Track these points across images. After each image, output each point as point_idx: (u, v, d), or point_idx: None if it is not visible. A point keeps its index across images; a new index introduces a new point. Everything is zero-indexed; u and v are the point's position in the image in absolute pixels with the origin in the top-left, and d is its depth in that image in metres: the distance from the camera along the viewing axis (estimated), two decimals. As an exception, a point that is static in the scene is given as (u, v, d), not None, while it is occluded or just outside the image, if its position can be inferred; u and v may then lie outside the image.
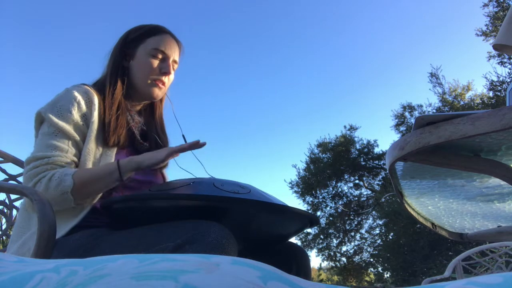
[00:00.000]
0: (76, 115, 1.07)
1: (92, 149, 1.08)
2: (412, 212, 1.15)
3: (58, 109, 1.07)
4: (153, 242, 0.83)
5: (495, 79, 10.66)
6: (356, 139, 14.12)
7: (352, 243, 14.44)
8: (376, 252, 13.41)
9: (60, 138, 1.05)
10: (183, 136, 1.29)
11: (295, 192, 14.26)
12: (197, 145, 1.07)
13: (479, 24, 12.68)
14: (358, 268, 14.09)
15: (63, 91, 1.11)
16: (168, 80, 1.23)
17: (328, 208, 14.42)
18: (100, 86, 1.18)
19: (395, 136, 13.00)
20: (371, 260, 13.92)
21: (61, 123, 1.05)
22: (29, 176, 1.00)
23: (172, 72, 1.24)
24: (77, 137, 1.07)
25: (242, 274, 0.30)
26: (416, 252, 10.00)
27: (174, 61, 1.24)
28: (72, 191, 0.97)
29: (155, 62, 1.18)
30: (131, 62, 1.20)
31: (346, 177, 14.50)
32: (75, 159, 1.06)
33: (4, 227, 1.48)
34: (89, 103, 1.10)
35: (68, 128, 1.05)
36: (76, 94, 1.09)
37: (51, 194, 0.97)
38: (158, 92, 1.21)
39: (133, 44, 1.20)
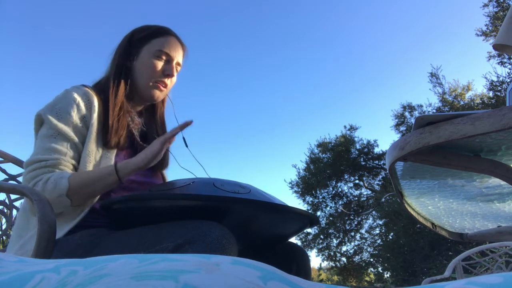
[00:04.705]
0: (75, 117, 1.06)
1: (92, 151, 1.07)
2: (412, 212, 1.15)
3: (57, 111, 1.06)
4: (153, 242, 0.83)
5: (495, 79, 10.67)
6: (356, 139, 14.14)
7: (352, 243, 14.46)
8: (376, 252, 13.41)
9: (59, 140, 1.04)
10: (184, 138, 1.28)
11: (295, 192, 14.28)
12: (187, 125, 1.10)
13: (479, 24, 12.71)
14: (358, 268, 14.09)
15: (62, 93, 1.11)
16: (171, 82, 1.22)
17: (328, 208, 14.43)
18: (102, 86, 1.17)
19: (395, 136, 13.01)
20: (371, 260, 13.92)
21: (60, 125, 1.05)
22: (27, 179, 1.00)
23: (175, 74, 1.23)
24: (76, 140, 1.06)
25: (242, 274, 0.30)
26: (416, 252, 10.00)
27: (178, 64, 1.23)
28: (68, 194, 0.97)
29: (159, 64, 1.17)
30: (134, 63, 1.18)
31: (346, 177, 14.51)
32: (74, 161, 1.06)
33: (4, 227, 1.48)
34: (89, 104, 1.09)
35: (67, 130, 1.05)
36: (75, 95, 1.08)
37: (47, 197, 0.96)
38: (159, 94, 1.20)
39: (138, 44, 1.19)
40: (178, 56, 1.22)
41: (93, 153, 1.07)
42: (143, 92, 1.19)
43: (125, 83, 1.17)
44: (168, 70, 1.19)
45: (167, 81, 1.20)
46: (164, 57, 1.18)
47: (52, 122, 1.05)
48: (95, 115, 1.09)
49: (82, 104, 1.08)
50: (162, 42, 1.18)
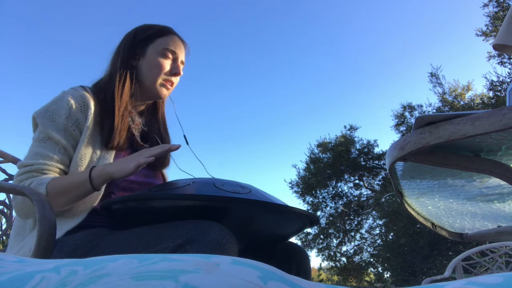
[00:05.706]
0: (67, 120, 1.06)
1: (86, 154, 1.06)
2: (412, 212, 1.15)
3: (50, 114, 1.06)
4: (153, 242, 0.83)
5: (495, 79, 10.68)
6: (356, 139, 14.14)
7: (352, 243, 14.46)
8: (376, 252, 13.41)
9: (48, 145, 1.04)
10: (185, 136, 1.29)
11: (295, 192, 14.28)
12: (168, 150, 1.02)
13: (479, 24, 12.72)
14: (358, 268, 14.09)
15: (59, 94, 1.10)
16: (176, 80, 1.23)
17: (328, 208, 14.43)
18: (103, 86, 1.16)
19: (395, 136, 13.02)
20: (371, 260, 13.92)
21: (51, 129, 1.04)
22: (15, 182, 1.02)
23: (182, 72, 1.24)
24: (67, 143, 1.05)
25: (242, 274, 0.30)
26: (416, 252, 10.00)
27: (182, 62, 1.24)
28: None
29: (166, 62, 1.18)
30: (140, 62, 1.18)
31: (346, 177, 14.51)
32: (62, 166, 1.05)
33: (4, 227, 1.48)
34: (84, 107, 1.08)
35: (57, 134, 1.04)
36: (69, 98, 1.07)
37: (26, 203, 0.96)
38: (166, 92, 1.21)
39: (142, 44, 1.19)
40: (182, 55, 1.23)
41: (88, 155, 1.06)
42: (150, 90, 1.19)
43: (131, 82, 1.17)
44: (175, 69, 1.20)
45: (174, 79, 1.22)
46: (170, 56, 1.19)
47: (43, 125, 1.05)
48: (90, 118, 1.08)
49: (76, 107, 1.07)
50: (167, 40, 1.19)
